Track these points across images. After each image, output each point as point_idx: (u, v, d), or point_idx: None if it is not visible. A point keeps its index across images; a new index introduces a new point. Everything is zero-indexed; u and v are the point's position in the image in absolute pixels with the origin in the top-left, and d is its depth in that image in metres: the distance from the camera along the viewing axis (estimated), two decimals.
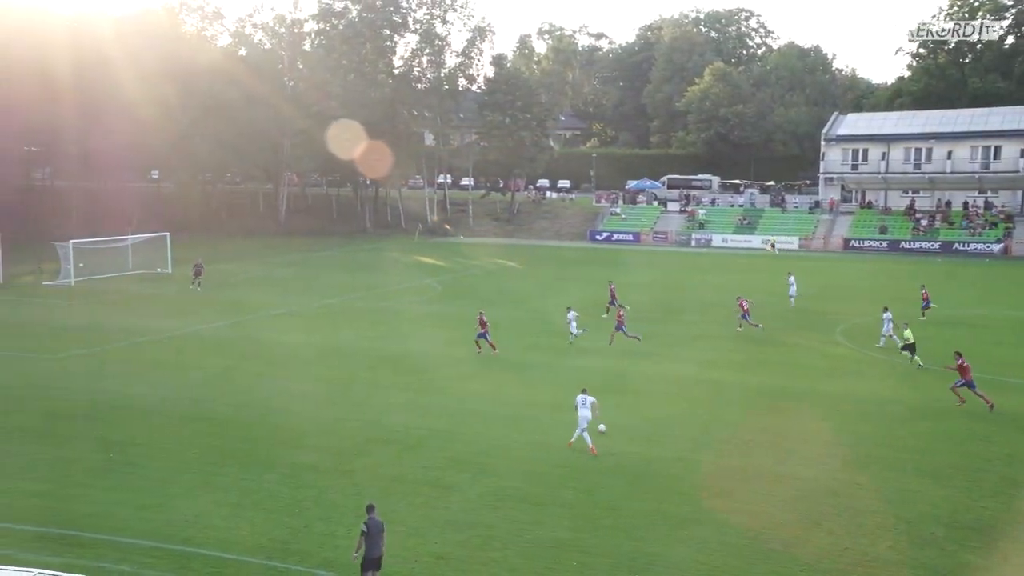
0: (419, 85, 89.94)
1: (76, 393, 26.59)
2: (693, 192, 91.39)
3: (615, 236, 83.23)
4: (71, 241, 51.95)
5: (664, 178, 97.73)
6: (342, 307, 43.81)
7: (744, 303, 36.99)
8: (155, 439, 22.15)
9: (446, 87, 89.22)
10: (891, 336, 33.34)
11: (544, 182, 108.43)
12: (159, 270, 55.81)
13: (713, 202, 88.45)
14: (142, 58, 70.88)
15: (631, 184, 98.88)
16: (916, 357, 30.37)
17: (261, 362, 31.11)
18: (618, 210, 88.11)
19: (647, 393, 27.07)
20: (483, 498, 18.46)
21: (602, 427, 22.28)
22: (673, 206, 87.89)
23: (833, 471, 20.25)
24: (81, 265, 51.63)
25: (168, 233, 58.95)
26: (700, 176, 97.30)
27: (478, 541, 16.49)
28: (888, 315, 33.97)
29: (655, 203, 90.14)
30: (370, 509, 14.44)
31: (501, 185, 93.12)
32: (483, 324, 32.05)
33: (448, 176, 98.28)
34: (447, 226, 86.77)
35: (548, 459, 20.89)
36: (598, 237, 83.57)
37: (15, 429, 22.88)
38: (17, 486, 18.84)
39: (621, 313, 34.39)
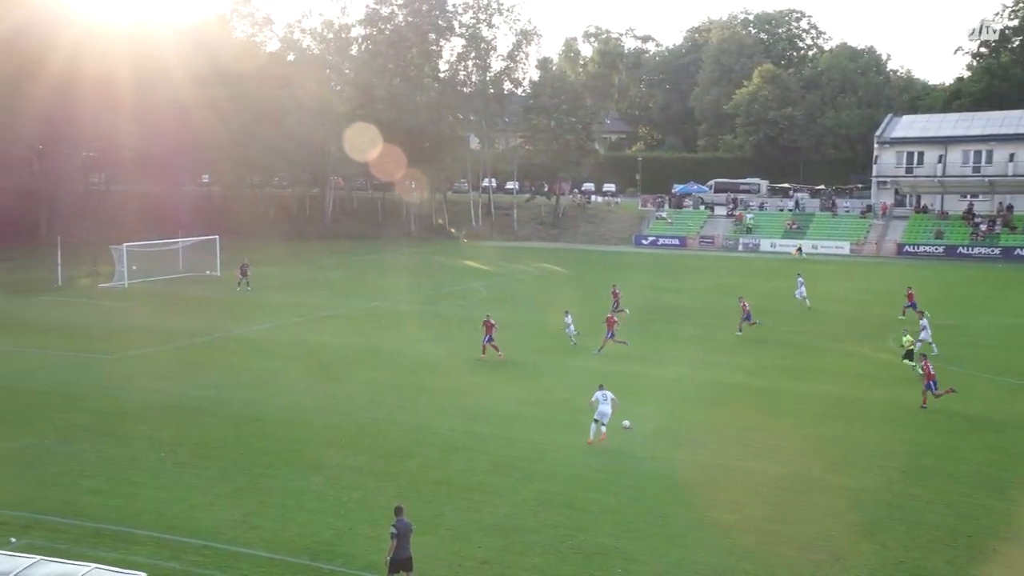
0: (464, 89, 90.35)
1: (131, 393, 27.31)
2: (741, 196, 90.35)
3: (661, 240, 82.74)
4: (125, 244, 53.32)
5: (711, 182, 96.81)
6: (387, 310, 44.24)
7: (746, 304, 37.24)
8: (205, 439, 22.63)
9: (491, 91, 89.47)
10: (930, 342, 32.81)
11: (589, 186, 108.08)
12: (208, 272, 56.96)
13: (761, 206, 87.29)
14: (195, 65, 72.54)
15: (677, 188, 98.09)
16: (912, 362, 29.71)
17: (308, 364, 31.58)
18: (664, 214, 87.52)
19: (693, 399, 26.86)
20: (526, 503, 18.49)
21: (626, 423, 22.62)
22: (720, 210, 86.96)
23: (887, 482, 19.85)
24: (134, 267, 52.96)
25: (217, 236, 60.20)
26: (748, 180, 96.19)
27: (521, 546, 16.52)
28: (925, 321, 33.51)
29: (702, 207, 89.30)
30: (398, 511, 14.63)
31: (546, 189, 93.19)
32: (489, 328, 32.12)
33: (493, 180, 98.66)
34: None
35: (591, 464, 20.84)
36: (643, 241, 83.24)
37: (75, 427, 23.58)
38: (77, 483, 19.41)
39: (614, 318, 34.23)
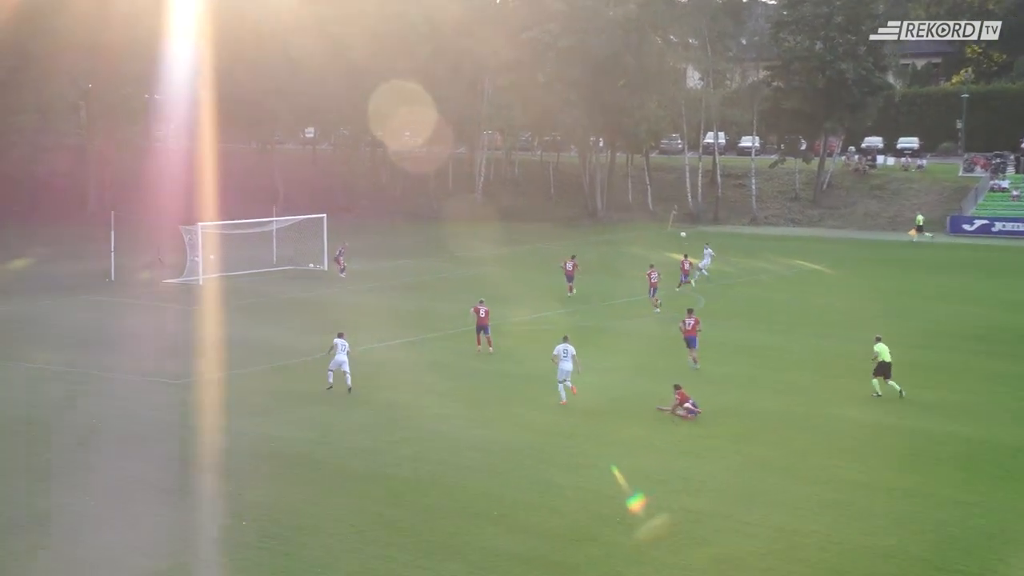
0: None
1: (206, 433, 29.05)
2: None
3: (998, 226, 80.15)
4: (199, 224, 56.72)
5: None
6: (561, 324, 44.63)
7: (654, 275, 47.49)
8: (304, 502, 23.67)
9: (721, 0, 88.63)
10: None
11: (874, 141, 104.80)
12: (312, 265, 59.72)
13: None
14: None
15: None
16: (892, 382, 31.77)
17: (450, 399, 32.44)
18: (1006, 184, 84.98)
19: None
20: None
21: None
22: None
23: None
24: (212, 257, 56.27)
25: (325, 215, 62.90)
26: None
27: None
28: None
29: None
30: None
31: (803, 147, 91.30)
32: (481, 316, 38.26)
33: (721, 134, 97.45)
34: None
35: (875, 568, 20.19)
36: (967, 227, 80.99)
37: (133, 480, 25.29)
38: (134, 562, 20.73)
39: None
